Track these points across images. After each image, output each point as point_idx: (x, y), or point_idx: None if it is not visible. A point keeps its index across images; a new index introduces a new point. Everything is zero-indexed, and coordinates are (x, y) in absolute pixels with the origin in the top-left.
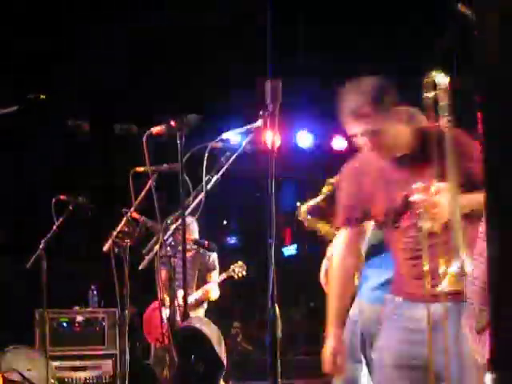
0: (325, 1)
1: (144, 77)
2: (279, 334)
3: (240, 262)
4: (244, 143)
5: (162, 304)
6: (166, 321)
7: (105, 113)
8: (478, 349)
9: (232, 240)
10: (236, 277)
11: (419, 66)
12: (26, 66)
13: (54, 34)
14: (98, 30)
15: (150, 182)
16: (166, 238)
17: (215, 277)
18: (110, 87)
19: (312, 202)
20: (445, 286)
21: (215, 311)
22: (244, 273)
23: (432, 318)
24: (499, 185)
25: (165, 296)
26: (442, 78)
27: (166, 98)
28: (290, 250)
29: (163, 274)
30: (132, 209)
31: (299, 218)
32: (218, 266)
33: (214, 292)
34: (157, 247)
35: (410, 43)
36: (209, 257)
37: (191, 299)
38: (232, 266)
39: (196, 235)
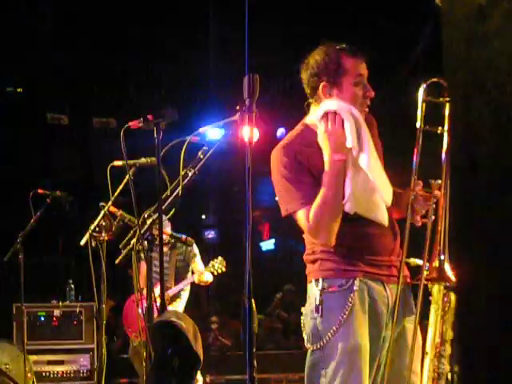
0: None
1: (121, 70)
2: (255, 327)
3: (220, 258)
4: (221, 137)
5: (140, 297)
6: (142, 315)
7: (83, 106)
8: None
9: (210, 234)
10: (216, 273)
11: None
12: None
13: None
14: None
15: (128, 175)
16: (142, 231)
17: (200, 263)
18: (87, 80)
19: None
20: None
21: (193, 306)
22: (224, 269)
23: None
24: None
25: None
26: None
27: (144, 91)
28: (268, 244)
29: (142, 267)
30: (109, 203)
31: None
32: (198, 254)
33: (207, 275)
34: (133, 241)
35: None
36: (185, 248)
37: (185, 283)
38: (212, 262)
39: (169, 231)
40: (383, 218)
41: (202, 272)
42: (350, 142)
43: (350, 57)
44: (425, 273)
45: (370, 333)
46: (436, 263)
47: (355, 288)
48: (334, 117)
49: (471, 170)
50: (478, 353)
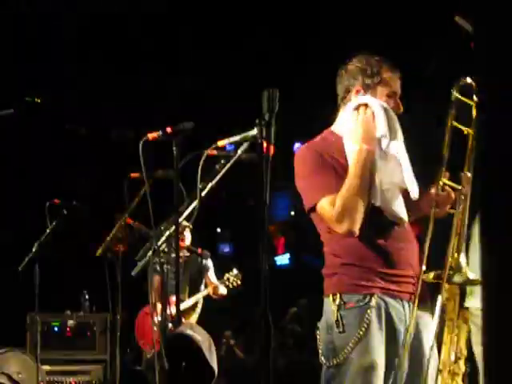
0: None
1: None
2: (271, 342)
3: (235, 271)
4: (239, 151)
5: (154, 310)
6: (157, 327)
7: (102, 118)
8: None
9: (225, 248)
10: (231, 286)
11: None
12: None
13: None
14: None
15: (145, 188)
16: (159, 244)
17: (213, 277)
18: (106, 91)
19: None
20: None
21: (207, 319)
22: (239, 282)
23: None
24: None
25: (157, 302)
26: None
27: (162, 104)
28: (282, 259)
29: (156, 280)
30: (126, 214)
31: None
32: (212, 267)
33: (222, 288)
34: (150, 253)
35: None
36: (201, 260)
37: (199, 296)
38: (226, 275)
39: (188, 242)
40: (404, 214)
41: (217, 285)
42: (381, 130)
43: (389, 70)
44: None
45: (386, 351)
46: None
47: (372, 304)
48: (366, 109)
49: (499, 171)
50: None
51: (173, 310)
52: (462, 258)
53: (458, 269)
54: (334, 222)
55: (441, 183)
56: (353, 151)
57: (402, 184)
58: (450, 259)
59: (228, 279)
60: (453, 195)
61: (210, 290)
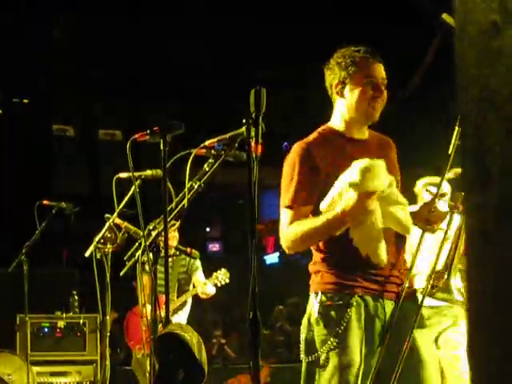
0: None
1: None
2: (260, 340)
3: (223, 270)
4: (227, 151)
5: (143, 310)
6: (146, 327)
7: (89, 118)
8: None
9: (214, 247)
10: (219, 284)
11: None
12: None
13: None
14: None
15: (133, 188)
16: (147, 244)
17: (202, 276)
18: (93, 92)
19: None
20: None
21: (196, 319)
22: (227, 280)
23: None
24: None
25: (146, 302)
26: None
27: (152, 104)
28: (272, 257)
29: (145, 279)
30: (114, 215)
31: None
32: (200, 267)
33: (210, 287)
34: (138, 253)
35: None
36: (189, 260)
37: (188, 296)
38: (215, 274)
39: (176, 242)
40: (382, 259)
41: (206, 283)
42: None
43: (364, 57)
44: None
45: (364, 349)
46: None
47: (353, 303)
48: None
49: (484, 185)
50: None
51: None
52: (453, 281)
53: (446, 289)
54: (281, 235)
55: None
56: (331, 212)
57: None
58: (432, 276)
59: (217, 277)
60: (443, 215)
61: (198, 289)
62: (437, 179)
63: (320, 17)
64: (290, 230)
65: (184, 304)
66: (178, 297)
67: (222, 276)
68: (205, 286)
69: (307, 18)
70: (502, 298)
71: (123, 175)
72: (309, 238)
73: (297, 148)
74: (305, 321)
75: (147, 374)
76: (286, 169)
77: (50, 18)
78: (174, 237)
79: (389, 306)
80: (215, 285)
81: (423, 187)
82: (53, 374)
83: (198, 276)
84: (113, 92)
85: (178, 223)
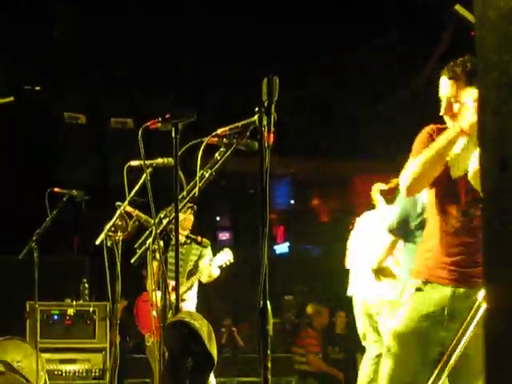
0: None
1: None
2: (270, 330)
3: (226, 249)
4: (239, 139)
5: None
6: (156, 315)
7: (101, 106)
8: None
9: (224, 236)
10: (224, 265)
11: None
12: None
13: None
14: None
15: (145, 176)
16: (158, 231)
17: (207, 261)
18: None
19: None
20: None
21: (206, 308)
22: (231, 259)
23: None
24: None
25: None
26: None
27: (162, 92)
28: (282, 247)
29: (155, 267)
30: (125, 203)
31: None
32: (208, 255)
33: (214, 269)
34: (149, 241)
35: None
36: (201, 249)
37: (194, 279)
38: (218, 254)
39: (190, 225)
40: None
41: (210, 264)
42: None
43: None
44: None
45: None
46: None
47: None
48: None
49: (502, 170)
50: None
51: (172, 297)
52: None
53: None
54: (401, 178)
55: None
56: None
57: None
58: None
59: (220, 258)
60: None
61: (202, 272)
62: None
63: (320, 16)
64: (411, 164)
65: (190, 288)
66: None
67: (226, 255)
68: (209, 267)
69: (307, 18)
70: None
71: (134, 163)
72: (421, 163)
73: (423, 130)
74: None
75: (157, 362)
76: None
77: None
78: (189, 219)
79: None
80: (220, 266)
81: (376, 191)
82: (62, 362)
83: (204, 262)
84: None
85: (194, 207)
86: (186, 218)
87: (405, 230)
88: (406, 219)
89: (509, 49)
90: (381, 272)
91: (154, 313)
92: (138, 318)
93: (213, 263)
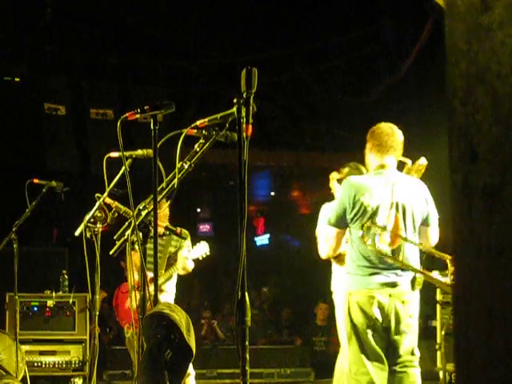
0: None
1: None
2: (248, 320)
3: (202, 242)
4: (218, 131)
5: (133, 289)
6: (135, 306)
7: (81, 97)
8: None
9: (204, 228)
10: (201, 257)
11: None
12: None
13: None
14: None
15: (124, 167)
16: (137, 223)
17: (186, 253)
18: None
19: None
20: None
21: (185, 300)
22: (208, 252)
23: None
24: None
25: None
26: None
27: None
28: (262, 239)
29: (135, 258)
30: (105, 194)
31: None
32: (186, 246)
33: (189, 262)
34: (128, 232)
35: None
36: (181, 241)
37: (172, 271)
38: (194, 247)
39: (166, 220)
40: None
41: (186, 258)
42: None
43: None
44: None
45: None
46: None
47: None
48: None
49: (471, 160)
50: (473, 350)
51: (151, 288)
52: None
53: None
54: None
55: None
56: None
57: None
58: None
59: (197, 251)
60: None
61: (179, 264)
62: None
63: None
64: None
65: (169, 279)
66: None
67: (202, 248)
68: (186, 260)
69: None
70: (489, 273)
71: (114, 155)
72: None
73: None
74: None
75: (136, 354)
76: None
77: None
78: (165, 215)
79: None
80: (196, 259)
81: (333, 180)
82: (42, 353)
83: (183, 253)
84: (102, 72)
85: (167, 203)
86: (163, 214)
87: (345, 223)
88: (344, 213)
89: (478, 39)
90: (340, 259)
91: (133, 303)
92: (118, 309)
93: (188, 256)
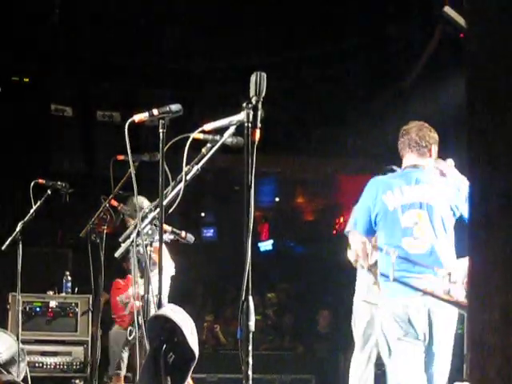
0: None
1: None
2: (252, 327)
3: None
4: (225, 135)
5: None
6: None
7: (88, 98)
8: None
9: (209, 233)
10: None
11: None
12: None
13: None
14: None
15: (131, 170)
16: (143, 226)
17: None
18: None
19: None
20: None
21: (188, 304)
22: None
23: None
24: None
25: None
26: None
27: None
28: (266, 245)
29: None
30: (111, 196)
31: None
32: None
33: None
34: (133, 235)
35: None
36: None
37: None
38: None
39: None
40: None
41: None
42: None
43: None
44: None
45: None
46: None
47: None
48: None
49: (489, 163)
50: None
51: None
52: None
53: None
54: None
55: None
56: None
57: None
58: None
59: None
60: None
61: None
62: None
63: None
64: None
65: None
66: None
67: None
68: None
69: (299, 4)
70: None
71: (120, 157)
72: None
73: None
74: None
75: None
76: None
77: None
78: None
79: None
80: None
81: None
82: (44, 354)
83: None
84: (109, 74)
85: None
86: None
87: (372, 228)
88: (369, 217)
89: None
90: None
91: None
92: (114, 308)
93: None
